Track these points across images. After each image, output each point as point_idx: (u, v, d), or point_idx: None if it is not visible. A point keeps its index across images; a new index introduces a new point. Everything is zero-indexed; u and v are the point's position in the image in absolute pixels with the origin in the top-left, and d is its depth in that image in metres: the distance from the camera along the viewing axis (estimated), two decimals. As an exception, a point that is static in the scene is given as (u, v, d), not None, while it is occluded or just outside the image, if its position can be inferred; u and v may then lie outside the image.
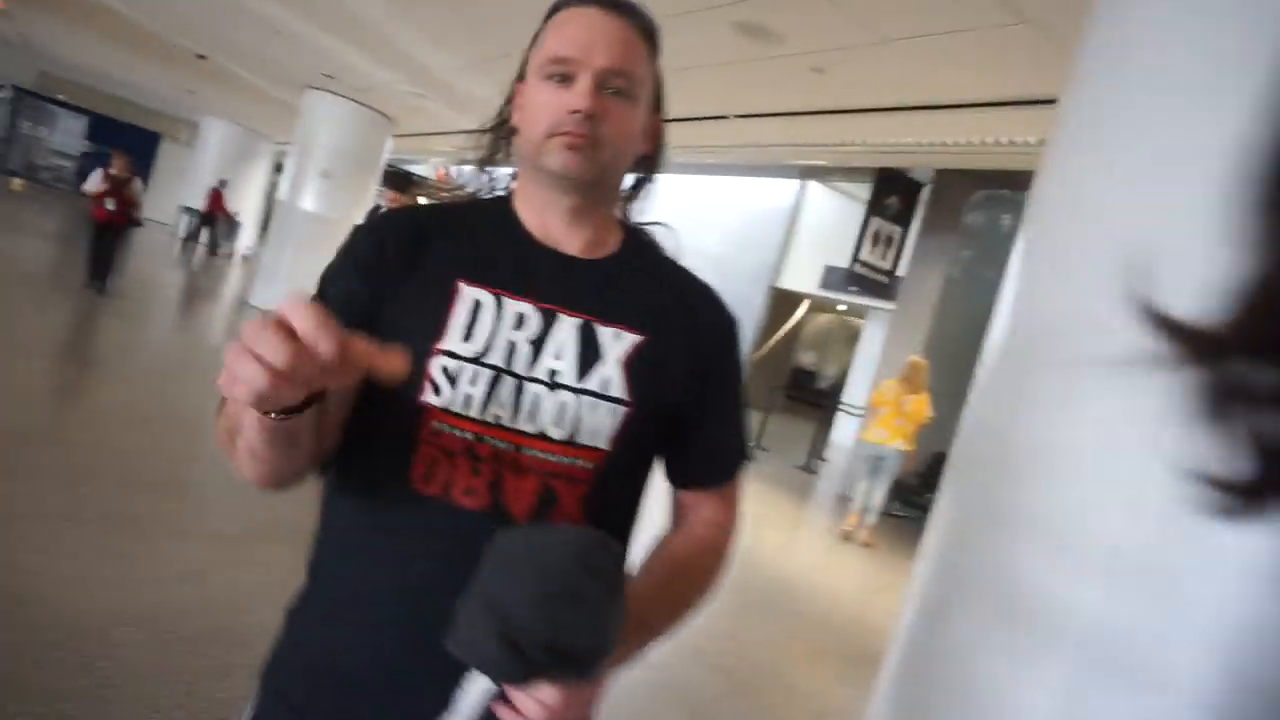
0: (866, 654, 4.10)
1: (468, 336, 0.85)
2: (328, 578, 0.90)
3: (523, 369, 0.86)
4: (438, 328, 0.85)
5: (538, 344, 0.87)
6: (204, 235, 16.86)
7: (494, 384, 0.85)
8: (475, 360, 0.84)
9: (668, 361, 0.91)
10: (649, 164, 1.00)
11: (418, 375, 0.83)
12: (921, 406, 6.39)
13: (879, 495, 6.71)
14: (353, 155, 10.23)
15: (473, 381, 0.84)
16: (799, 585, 5.20)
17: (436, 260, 0.89)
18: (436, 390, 0.83)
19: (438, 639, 0.73)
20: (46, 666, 2.21)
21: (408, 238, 0.90)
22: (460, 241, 0.91)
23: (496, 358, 0.85)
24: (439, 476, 0.83)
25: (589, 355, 0.88)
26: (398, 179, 14.86)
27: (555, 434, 0.85)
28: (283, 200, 10.65)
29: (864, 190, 9.60)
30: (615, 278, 0.94)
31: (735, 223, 12.93)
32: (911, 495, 7.91)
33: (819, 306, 13.76)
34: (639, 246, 0.99)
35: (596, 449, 0.87)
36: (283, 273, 9.99)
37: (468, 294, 0.87)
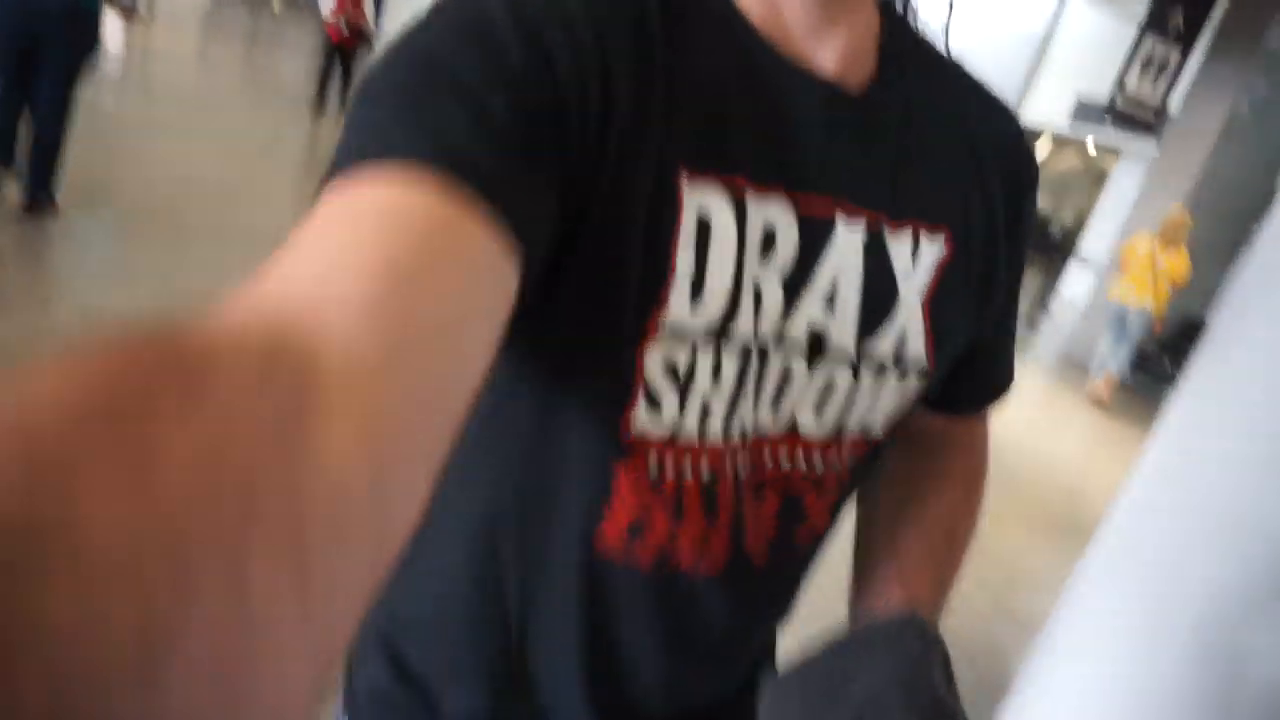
0: (1076, 523, 3.92)
1: (698, 290, 0.43)
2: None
3: (770, 329, 0.46)
4: (659, 279, 0.42)
5: (795, 282, 0.45)
6: None
7: (741, 373, 0.46)
8: (716, 335, 0.44)
9: (974, 273, 0.53)
10: None
11: (626, 375, 0.43)
12: (1178, 264, 5.69)
13: (1119, 357, 6.22)
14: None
15: (713, 377, 0.44)
16: (1013, 445, 4.99)
17: (627, 106, 0.40)
18: (654, 402, 0.44)
19: None
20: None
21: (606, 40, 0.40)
22: (657, 61, 0.42)
23: (743, 322, 0.44)
24: (650, 538, 0.48)
25: (879, 292, 0.48)
26: None
27: (814, 432, 0.50)
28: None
29: (1139, 7, 8.21)
30: (899, 127, 0.49)
31: (975, 47, 11.64)
32: (1151, 363, 7.21)
33: (1062, 144, 12.30)
34: (904, 52, 0.52)
35: (868, 440, 0.53)
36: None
37: (693, 199, 0.42)
